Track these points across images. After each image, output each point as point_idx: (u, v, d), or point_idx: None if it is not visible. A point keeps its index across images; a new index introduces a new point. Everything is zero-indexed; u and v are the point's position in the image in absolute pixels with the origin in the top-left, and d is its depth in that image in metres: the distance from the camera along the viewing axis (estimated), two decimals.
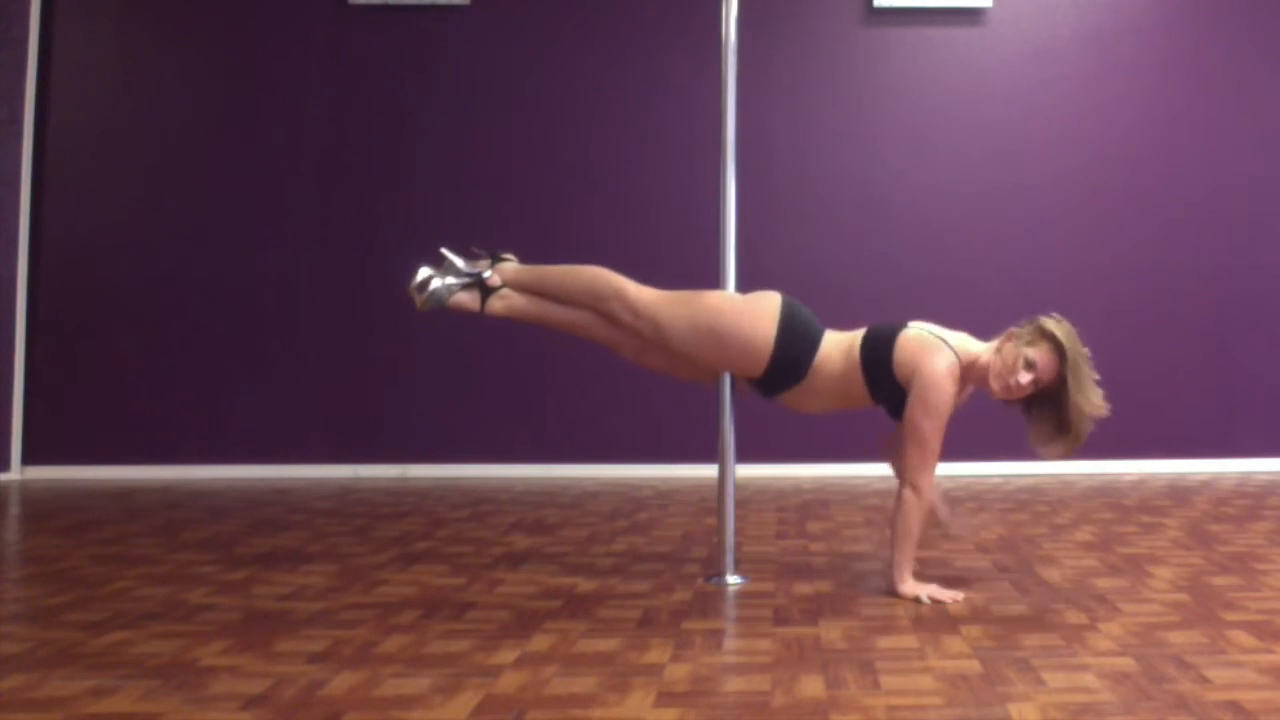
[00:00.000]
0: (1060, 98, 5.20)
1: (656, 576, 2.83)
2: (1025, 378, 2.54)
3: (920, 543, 3.27)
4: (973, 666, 2.01)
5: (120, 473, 5.04)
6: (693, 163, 5.10)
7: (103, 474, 5.04)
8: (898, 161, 5.18)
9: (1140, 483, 4.69)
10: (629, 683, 1.91)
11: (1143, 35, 5.22)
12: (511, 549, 3.23)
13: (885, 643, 2.18)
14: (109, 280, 5.13)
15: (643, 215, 5.15)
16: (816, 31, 5.21)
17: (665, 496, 4.36)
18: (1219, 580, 2.75)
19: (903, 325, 2.70)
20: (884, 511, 3.94)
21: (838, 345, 2.72)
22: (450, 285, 2.84)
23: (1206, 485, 4.60)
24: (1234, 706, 1.77)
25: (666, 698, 1.83)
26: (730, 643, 2.19)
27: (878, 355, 2.66)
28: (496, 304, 2.86)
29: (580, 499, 4.30)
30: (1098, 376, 2.57)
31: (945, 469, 3.43)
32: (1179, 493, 4.37)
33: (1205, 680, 1.92)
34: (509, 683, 1.92)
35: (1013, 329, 2.63)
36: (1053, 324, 2.56)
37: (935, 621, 2.35)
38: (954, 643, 2.18)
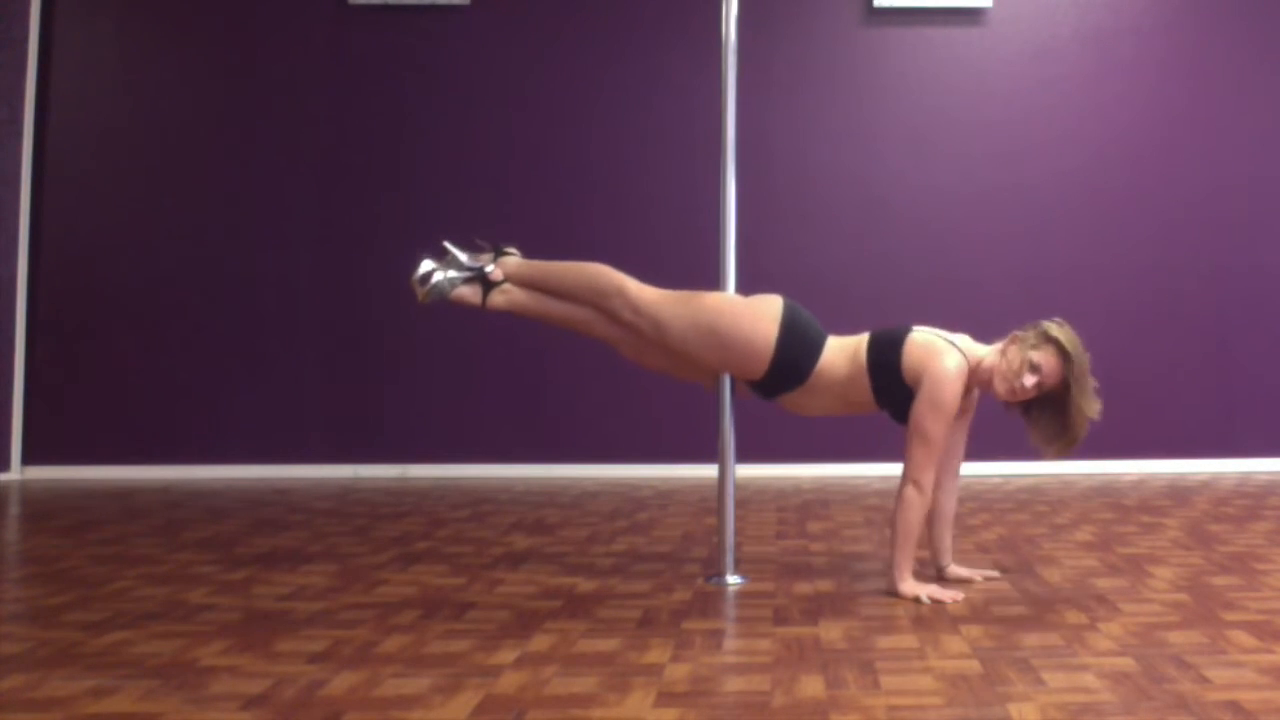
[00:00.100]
0: (1060, 98, 5.20)
1: (656, 576, 2.83)
2: (1030, 380, 2.57)
3: (920, 542, 3.27)
4: (973, 666, 2.01)
5: (120, 473, 5.05)
6: (693, 163, 5.10)
7: (103, 474, 5.04)
8: (898, 161, 5.18)
9: (1140, 483, 4.69)
10: (629, 683, 1.91)
11: (1143, 35, 5.22)
12: (511, 549, 3.23)
13: (885, 643, 2.18)
14: (109, 280, 5.13)
15: (643, 215, 5.15)
16: (816, 31, 5.21)
17: (665, 496, 4.36)
18: (1219, 580, 2.75)
19: (907, 329, 2.71)
20: (884, 511, 3.94)
21: (842, 350, 2.73)
22: (452, 278, 2.84)
23: (1206, 485, 4.60)
24: (1234, 706, 1.77)
25: (666, 698, 1.83)
26: (730, 643, 2.19)
27: (885, 359, 2.66)
28: (498, 298, 2.86)
29: (580, 499, 4.30)
30: (1096, 383, 2.60)
31: None
32: (1179, 493, 4.37)
33: (1205, 680, 1.92)
34: (509, 683, 1.92)
35: (1016, 332, 2.66)
36: (1056, 328, 2.60)
37: (935, 621, 2.35)
38: (954, 643, 2.18)
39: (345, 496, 4.39)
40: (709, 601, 2.56)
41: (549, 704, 1.80)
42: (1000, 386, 2.62)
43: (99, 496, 4.40)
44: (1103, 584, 2.72)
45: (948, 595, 2.56)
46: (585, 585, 2.72)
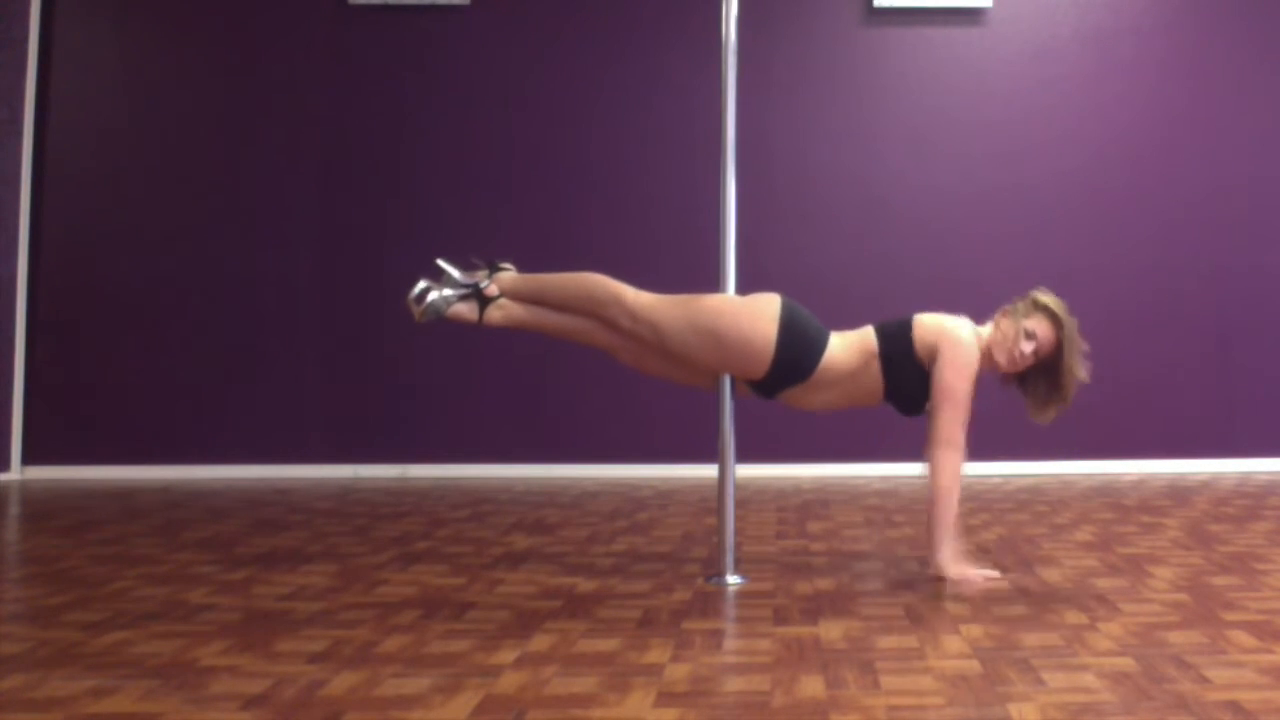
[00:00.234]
0: (1060, 98, 5.20)
1: (656, 576, 2.83)
2: (1028, 347, 2.72)
3: (919, 542, 3.27)
4: (973, 666, 2.01)
5: (120, 473, 5.05)
6: (693, 163, 5.10)
7: (103, 474, 5.04)
8: (898, 161, 5.18)
9: (1140, 483, 4.69)
10: (629, 683, 1.91)
11: (1143, 35, 5.22)
12: (511, 549, 3.23)
13: (885, 643, 2.18)
14: (109, 280, 5.13)
15: (643, 215, 5.15)
16: (816, 31, 5.21)
17: (665, 496, 4.36)
18: (1219, 580, 2.75)
19: (910, 315, 2.81)
20: (884, 511, 3.94)
21: (846, 343, 2.77)
22: (448, 296, 2.86)
23: (1206, 485, 4.60)
24: (1234, 706, 1.77)
25: (666, 698, 1.83)
26: (730, 643, 2.19)
27: (897, 343, 2.74)
28: (494, 314, 2.87)
29: (580, 499, 4.30)
30: (1085, 346, 2.76)
31: None
32: (1179, 493, 4.37)
33: (1205, 680, 1.92)
34: (509, 683, 1.92)
35: (1005, 307, 2.82)
36: (1044, 295, 2.78)
37: (935, 621, 2.35)
38: (954, 643, 2.18)
39: (345, 496, 4.39)
40: (709, 601, 2.56)
41: (549, 704, 1.80)
42: (1000, 357, 2.76)
43: (99, 496, 4.40)
44: (1103, 584, 2.72)
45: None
46: (585, 585, 2.72)
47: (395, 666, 2.02)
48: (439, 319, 2.87)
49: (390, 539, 3.40)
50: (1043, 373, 2.79)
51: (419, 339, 5.08)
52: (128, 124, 5.18)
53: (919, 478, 4.51)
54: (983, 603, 2.53)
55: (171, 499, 4.33)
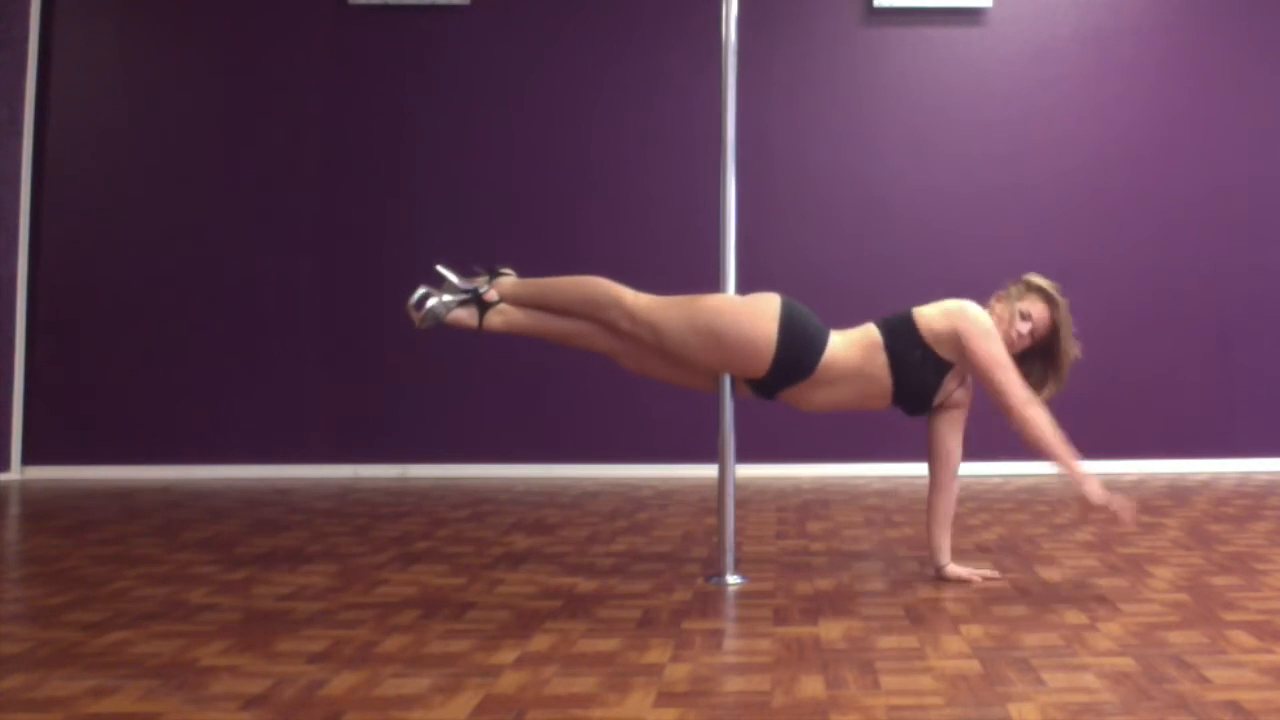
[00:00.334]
0: (1060, 98, 5.20)
1: (656, 576, 2.83)
2: (1025, 327, 2.77)
3: (919, 542, 3.27)
4: (973, 666, 2.01)
5: (120, 473, 5.05)
6: (693, 163, 5.10)
7: (103, 474, 5.04)
8: (898, 161, 5.18)
9: (1140, 483, 4.69)
10: (629, 683, 1.91)
11: (1143, 35, 5.22)
12: (511, 549, 3.23)
13: (885, 643, 2.18)
14: (109, 280, 5.13)
15: (643, 215, 5.15)
16: (816, 31, 5.21)
17: (665, 496, 4.36)
18: (1219, 580, 2.75)
19: (908, 309, 2.82)
20: (884, 511, 3.94)
21: (847, 340, 2.76)
22: (447, 302, 2.85)
23: (1206, 485, 4.60)
24: (1234, 706, 1.77)
25: (666, 698, 1.83)
26: (730, 643, 2.19)
27: (903, 334, 2.74)
28: (494, 319, 2.87)
29: (580, 499, 4.30)
30: (1074, 328, 2.82)
31: None
32: (1179, 493, 4.37)
33: (1205, 680, 1.92)
34: (509, 683, 1.92)
35: (999, 293, 2.86)
36: (1036, 278, 2.83)
37: (935, 621, 2.35)
38: (954, 643, 2.18)
39: (345, 496, 4.39)
40: (709, 601, 2.56)
41: (549, 704, 1.80)
42: None
43: (99, 496, 4.40)
44: (1103, 584, 2.72)
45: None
46: (585, 585, 2.72)
47: (395, 666, 2.02)
48: (439, 325, 2.87)
49: (390, 539, 3.40)
50: (1038, 355, 2.81)
51: (419, 339, 5.08)
52: (128, 124, 5.18)
53: (919, 478, 4.51)
54: (982, 603, 2.53)
55: (171, 499, 4.33)
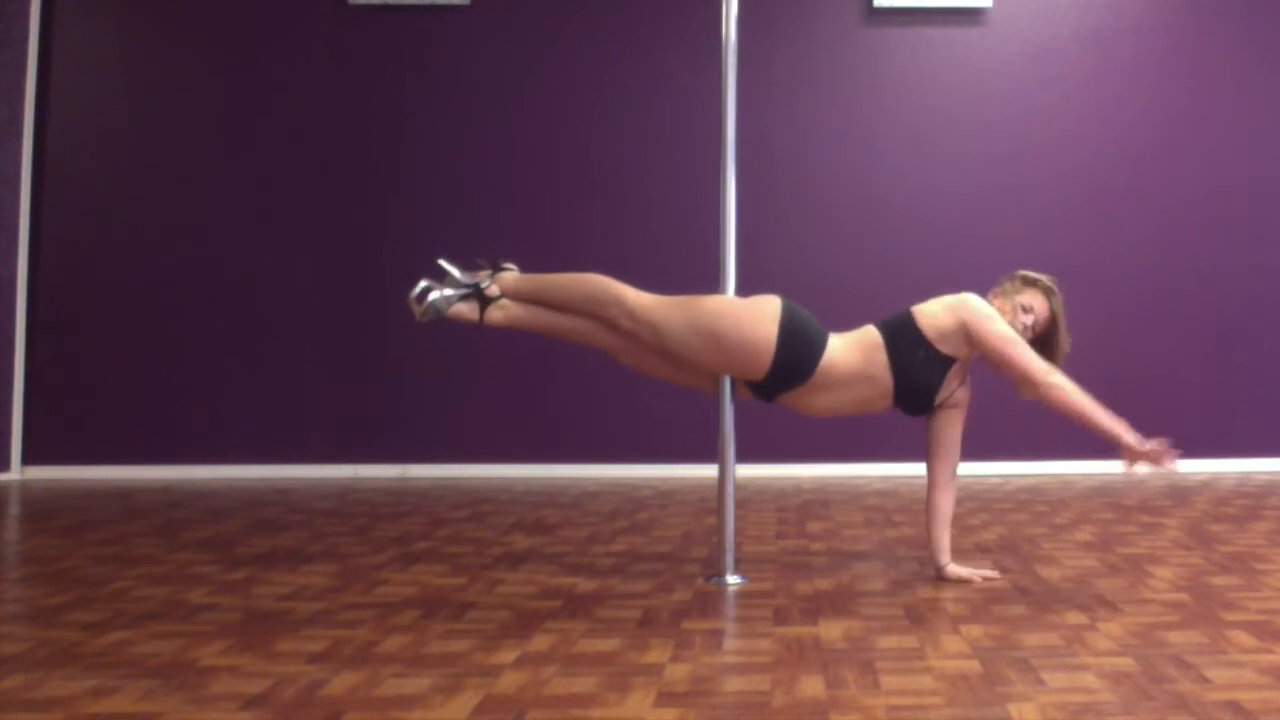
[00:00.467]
0: (1060, 98, 5.20)
1: (656, 576, 2.83)
2: (1028, 320, 2.82)
3: (919, 542, 3.27)
4: (973, 666, 2.01)
5: (120, 473, 5.05)
6: (693, 163, 5.10)
7: (103, 474, 5.04)
8: (898, 161, 5.18)
9: (1140, 483, 4.69)
10: (629, 683, 1.91)
11: (1143, 35, 5.22)
12: (511, 549, 3.23)
13: (885, 643, 2.18)
14: (109, 280, 5.13)
15: (643, 215, 5.15)
16: (816, 31, 5.21)
17: (665, 496, 4.36)
18: (1219, 580, 2.75)
19: (906, 309, 2.83)
20: (884, 511, 3.94)
21: (847, 343, 2.77)
22: (449, 296, 2.85)
23: (1206, 485, 4.60)
24: (1234, 706, 1.77)
25: (666, 698, 1.83)
26: (730, 643, 2.19)
27: (904, 334, 2.75)
28: (495, 314, 2.87)
29: (580, 499, 4.30)
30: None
31: None
32: (1179, 493, 4.37)
33: (1205, 680, 1.92)
34: (509, 683, 1.92)
35: (994, 289, 2.90)
36: (1031, 272, 2.90)
37: (935, 621, 2.35)
38: (954, 643, 2.18)
39: (345, 496, 4.39)
40: (709, 601, 2.56)
41: (549, 704, 1.80)
42: None
43: (99, 496, 4.40)
44: (1103, 584, 2.72)
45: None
46: (585, 585, 2.72)
47: (395, 666, 2.02)
48: (440, 319, 2.86)
49: (390, 539, 3.40)
50: (1034, 347, 2.81)
51: (419, 339, 5.08)
52: (128, 124, 5.18)
53: (919, 478, 4.51)
54: (983, 603, 2.53)
55: (171, 499, 4.33)
